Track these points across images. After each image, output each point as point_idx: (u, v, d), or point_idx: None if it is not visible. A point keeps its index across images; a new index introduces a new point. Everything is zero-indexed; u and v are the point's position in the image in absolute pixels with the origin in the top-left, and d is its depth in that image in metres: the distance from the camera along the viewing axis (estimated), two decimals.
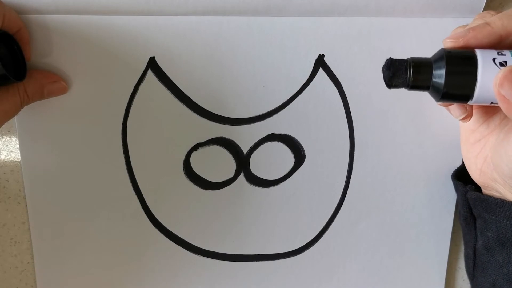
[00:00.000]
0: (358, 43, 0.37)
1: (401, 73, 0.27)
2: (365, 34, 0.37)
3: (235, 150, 0.39)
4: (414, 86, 0.27)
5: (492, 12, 0.29)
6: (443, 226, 0.41)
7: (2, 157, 0.40)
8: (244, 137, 0.39)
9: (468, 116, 0.31)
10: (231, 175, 0.40)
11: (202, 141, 0.39)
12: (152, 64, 0.37)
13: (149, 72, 0.37)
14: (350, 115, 0.39)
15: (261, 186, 0.40)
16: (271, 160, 0.40)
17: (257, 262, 0.42)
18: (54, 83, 0.36)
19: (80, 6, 0.35)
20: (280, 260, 0.42)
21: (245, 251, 0.41)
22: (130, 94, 0.38)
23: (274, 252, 0.42)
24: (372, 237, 0.41)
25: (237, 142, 0.39)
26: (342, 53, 0.37)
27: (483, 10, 0.36)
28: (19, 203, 0.41)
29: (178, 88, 0.38)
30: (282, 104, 0.38)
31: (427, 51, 0.37)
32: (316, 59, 0.37)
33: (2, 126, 0.34)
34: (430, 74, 0.27)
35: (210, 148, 0.39)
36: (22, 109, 0.35)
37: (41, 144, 0.38)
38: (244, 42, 0.37)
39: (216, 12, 0.36)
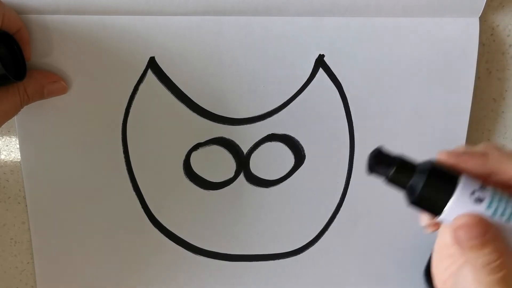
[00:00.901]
0: (358, 43, 0.37)
1: (383, 167, 0.28)
2: (365, 34, 0.37)
3: (235, 150, 0.39)
4: (391, 182, 0.28)
5: (499, 148, 0.28)
6: None
7: (2, 157, 0.40)
8: (244, 137, 0.39)
9: (431, 229, 0.30)
10: (231, 175, 0.40)
11: (202, 141, 0.39)
12: (152, 64, 0.37)
13: (149, 72, 0.37)
14: (350, 115, 0.39)
15: (261, 186, 0.40)
16: (271, 160, 0.40)
17: (257, 262, 0.42)
18: (54, 83, 0.36)
19: (80, 6, 0.35)
20: (280, 260, 0.42)
21: (245, 251, 0.41)
22: (130, 94, 0.38)
23: (274, 252, 0.42)
24: (371, 237, 0.41)
25: (237, 142, 0.39)
26: (342, 53, 0.37)
27: (483, 11, 0.36)
28: (19, 203, 0.41)
29: (178, 88, 0.38)
30: (282, 104, 0.38)
31: (427, 51, 0.37)
32: (316, 59, 0.37)
33: (2, 126, 0.34)
34: (409, 178, 0.27)
35: (210, 148, 0.39)
36: (22, 109, 0.35)
37: (41, 144, 0.38)
38: (244, 42, 0.37)
39: (216, 12, 0.36)
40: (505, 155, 0.26)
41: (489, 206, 0.25)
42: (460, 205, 0.25)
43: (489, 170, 0.26)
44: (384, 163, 0.28)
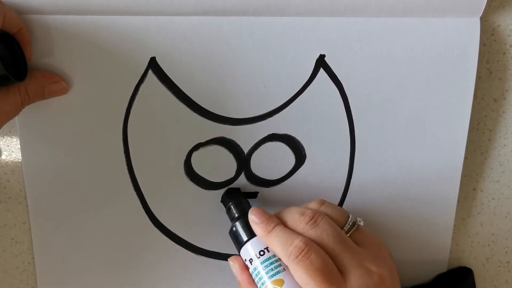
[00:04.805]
0: (359, 43, 0.37)
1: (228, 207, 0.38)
2: (366, 34, 0.37)
3: (236, 150, 0.39)
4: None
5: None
6: (444, 226, 0.41)
7: (3, 157, 0.40)
8: (245, 137, 0.39)
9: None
10: (232, 175, 0.40)
11: (203, 141, 0.39)
12: (153, 65, 0.37)
13: (150, 72, 0.37)
14: (351, 115, 0.39)
15: (261, 186, 0.40)
16: (272, 160, 0.40)
17: None
18: (55, 83, 0.36)
19: (80, 6, 0.35)
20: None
21: None
22: (131, 94, 0.38)
23: None
24: None
25: (238, 142, 0.39)
26: (342, 53, 0.37)
27: (484, 11, 0.36)
28: (20, 203, 0.41)
29: (179, 88, 0.38)
30: (283, 104, 0.38)
31: (428, 51, 0.37)
32: (316, 59, 0.37)
33: (3, 126, 0.34)
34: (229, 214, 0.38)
35: (211, 148, 0.39)
36: (23, 109, 0.35)
37: (42, 144, 0.38)
38: (244, 42, 0.37)
39: (216, 12, 0.36)
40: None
41: (252, 272, 0.35)
42: (243, 253, 0.35)
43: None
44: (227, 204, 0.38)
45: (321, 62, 0.38)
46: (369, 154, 0.40)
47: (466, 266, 0.44)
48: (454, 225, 0.42)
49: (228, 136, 0.39)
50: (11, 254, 0.42)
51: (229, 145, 0.39)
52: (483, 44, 0.38)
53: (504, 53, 0.39)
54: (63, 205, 0.40)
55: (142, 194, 0.40)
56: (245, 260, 0.35)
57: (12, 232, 0.41)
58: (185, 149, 0.39)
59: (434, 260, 0.42)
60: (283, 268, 0.33)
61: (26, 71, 0.34)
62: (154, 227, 0.41)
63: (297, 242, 0.32)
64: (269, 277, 0.33)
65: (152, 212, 0.40)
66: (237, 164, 0.40)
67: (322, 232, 0.33)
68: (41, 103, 0.36)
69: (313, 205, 0.36)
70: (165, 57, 0.37)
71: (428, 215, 0.41)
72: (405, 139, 0.39)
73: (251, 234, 0.35)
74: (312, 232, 0.33)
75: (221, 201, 0.40)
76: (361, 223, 0.36)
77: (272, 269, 0.33)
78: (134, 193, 0.40)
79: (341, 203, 0.41)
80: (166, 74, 0.37)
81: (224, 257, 0.42)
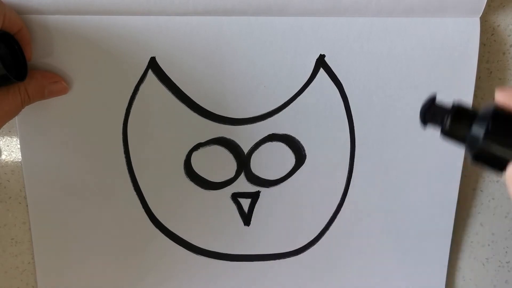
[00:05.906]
0: (359, 43, 0.37)
1: (437, 119, 0.25)
2: (366, 34, 0.37)
3: (236, 150, 0.39)
4: (448, 135, 0.24)
5: None
6: (444, 226, 0.41)
7: (3, 157, 0.40)
8: (245, 137, 0.39)
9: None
10: (232, 175, 0.40)
11: (202, 141, 0.39)
12: (153, 64, 0.37)
13: (150, 72, 0.37)
14: (351, 115, 0.39)
15: (261, 186, 0.40)
16: (272, 160, 0.40)
17: (258, 262, 0.42)
18: (55, 84, 0.36)
19: (80, 6, 0.35)
20: (281, 260, 0.42)
21: (246, 251, 0.42)
22: (130, 94, 0.38)
23: (275, 252, 0.42)
24: (372, 237, 0.41)
25: (238, 142, 0.39)
26: (342, 53, 0.37)
27: (484, 11, 0.36)
28: (20, 203, 0.41)
29: (179, 88, 0.38)
30: (283, 104, 0.38)
31: (428, 51, 0.37)
32: (316, 59, 0.37)
33: (3, 126, 0.34)
34: (469, 128, 0.23)
35: (211, 148, 0.39)
36: (23, 109, 0.35)
37: (42, 144, 0.38)
38: (244, 42, 0.37)
39: (216, 12, 0.36)
40: None
41: None
42: None
43: None
44: (438, 114, 0.24)
45: (321, 62, 0.38)
46: (369, 154, 0.40)
47: (466, 266, 0.44)
48: (454, 225, 0.42)
49: (228, 136, 0.39)
50: (11, 254, 0.42)
51: (229, 145, 0.39)
52: (483, 44, 0.38)
53: (504, 53, 0.39)
54: (63, 205, 0.40)
55: (142, 194, 0.40)
56: None
57: (12, 232, 0.41)
58: (185, 149, 0.39)
59: (434, 260, 0.42)
60: None
61: (26, 71, 0.34)
62: (154, 227, 0.41)
63: None
64: None
65: (152, 212, 0.40)
66: (237, 164, 0.40)
67: None
68: (41, 103, 0.36)
69: None
70: (165, 57, 0.37)
71: (428, 215, 0.41)
72: (405, 139, 0.39)
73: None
74: None
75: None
76: None
77: None
78: (134, 193, 0.40)
79: (341, 203, 0.41)
80: (166, 74, 0.37)
81: (224, 257, 0.42)
